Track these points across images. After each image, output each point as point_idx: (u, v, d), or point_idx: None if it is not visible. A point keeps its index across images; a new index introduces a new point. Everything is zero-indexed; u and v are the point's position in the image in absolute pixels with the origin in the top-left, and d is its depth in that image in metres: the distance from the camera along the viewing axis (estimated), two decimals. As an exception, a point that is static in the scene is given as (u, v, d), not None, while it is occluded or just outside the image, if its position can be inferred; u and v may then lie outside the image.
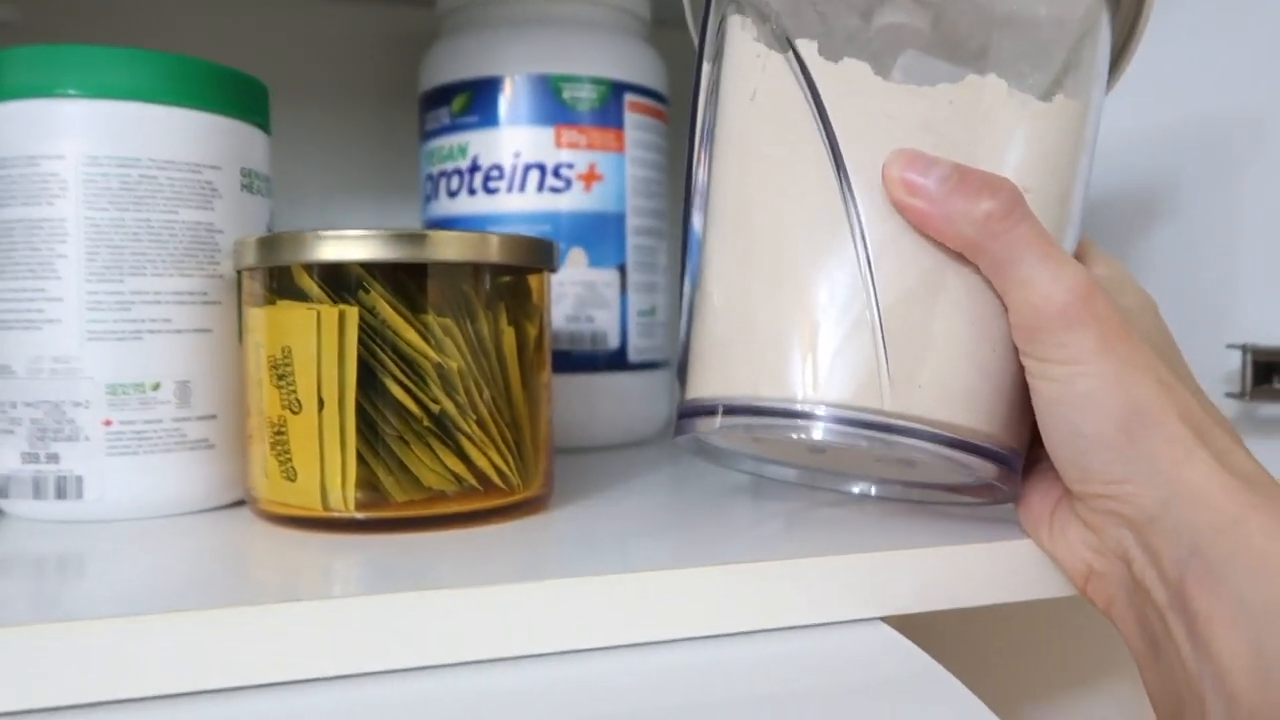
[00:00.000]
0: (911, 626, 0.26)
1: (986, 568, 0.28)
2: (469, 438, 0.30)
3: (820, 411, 0.26)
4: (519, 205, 0.46)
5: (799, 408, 0.27)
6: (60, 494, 0.30)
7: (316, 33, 0.57)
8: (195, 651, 0.21)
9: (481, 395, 0.30)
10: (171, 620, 0.21)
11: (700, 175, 0.31)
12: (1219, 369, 0.41)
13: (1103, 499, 0.25)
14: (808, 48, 0.28)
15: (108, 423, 0.30)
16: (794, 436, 0.27)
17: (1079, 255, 0.30)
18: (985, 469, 0.27)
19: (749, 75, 0.29)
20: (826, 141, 0.27)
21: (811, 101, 0.27)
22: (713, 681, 0.23)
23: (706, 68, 0.32)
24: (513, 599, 0.24)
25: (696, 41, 0.33)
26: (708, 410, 0.28)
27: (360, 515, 0.29)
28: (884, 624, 0.27)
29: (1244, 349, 0.38)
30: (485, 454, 0.30)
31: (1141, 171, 0.44)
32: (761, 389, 0.27)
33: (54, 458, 0.30)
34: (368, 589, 0.23)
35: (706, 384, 0.29)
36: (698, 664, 0.24)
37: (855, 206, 0.27)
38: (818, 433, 0.26)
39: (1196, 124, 0.42)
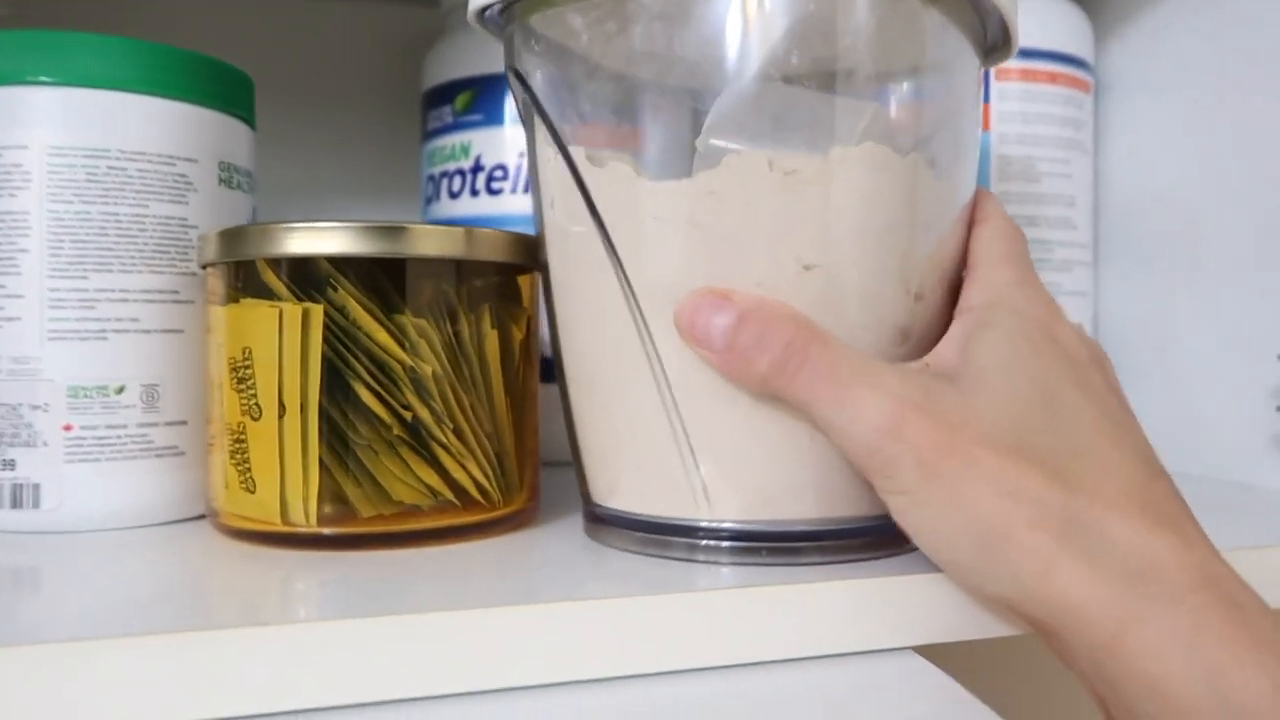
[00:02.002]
0: (944, 656, 0.24)
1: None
2: (445, 448, 0.27)
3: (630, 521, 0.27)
4: (523, 207, 0.44)
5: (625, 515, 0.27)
6: (15, 503, 0.28)
7: (316, 30, 0.56)
8: (147, 679, 0.19)
9: (460, 403, 0.28)
10: (121, 645, 0.19)
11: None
12: (1270, 380, 0.37)
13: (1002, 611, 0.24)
14: (578, 152, 0.26)
15: (68, 427, 0.29)
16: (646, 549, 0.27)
17: (965, 259, 0.27)
18: (846, 547, 0.26)
19: (548, 180, 0.28)
20: (611, 255, 0.26)
21: (589, 211, 0.26)
22: (723, 716, 0.21)
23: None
24: (492, 625, 0.21)
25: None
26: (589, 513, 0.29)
27: (325, 530, 0.26)
28: (915, 653, 0.24)
29: (1300, 362, 0.35)
30: (463, 466, 0.28)
31: (1188, 180, 0.41)
32: (611, 499, 0.28)
33: (9, 464, 0.28)
34: (329, 613, 0.21)
35: (596, 491, 0.29)
36: (705, 698, 0.22)
37: (647, 330, 0.25)
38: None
39: (1244, 129, 0.39)
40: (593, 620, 0.22)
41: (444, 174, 0.46)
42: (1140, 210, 0.44)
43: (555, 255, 0.28)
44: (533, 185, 0.29)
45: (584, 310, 0.27)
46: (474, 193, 0.45)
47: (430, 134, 0.47)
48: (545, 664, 0.22)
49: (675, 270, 0.25)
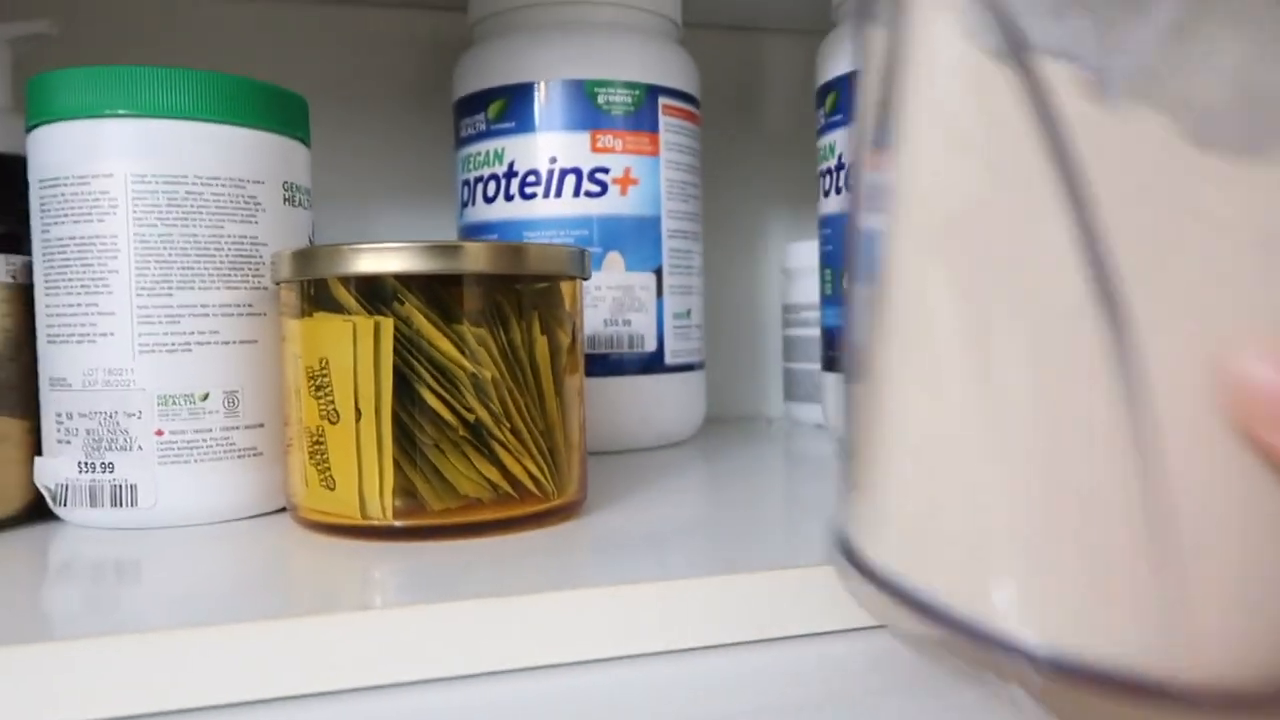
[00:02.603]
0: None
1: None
2: (504, 445, 0.30)
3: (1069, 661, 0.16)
4: (556, 210, 0.47)
5: (1035, 650, 0.16)
6: (116, 502, 0.31)
7: (349, 39, 0.58)
8: (238, 662, 0.22)
9: (515, 403, 0.30)
10: (220, 633, 0.22)
11: (872, 178, 0.19)
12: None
13: None
14: (1064, 75, 0.15)
15: (159, 432, 0.31)
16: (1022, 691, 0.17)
17: None
18: None
19: (951, 99, 0.17)
20: (1086, 253, 0.15)
21: (1062, 175, 0.15)
22: (755, 688, 0.24)
23: (880, 38, 0.18)
24: (549, 607, 0.24)
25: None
26: (896, 591, 0.18)
27: (398, 523, 0.29)
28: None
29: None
30: (520, 461, 0.31)
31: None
32: (974, 603, 0.17)
33: (109, 467, 0.31)
34: (405, 598, 0.24)
35: (884, 541, 0.19)
36: (740, 672, 0.24)
37: (1137, 371, 0.15)
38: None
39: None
40: (637, 602, 0.25)
41: (479, 179, 0.49)
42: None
43: (926, 230, 0.17)
44: (872, 139, 0.18)
45: (1010, 337, 0.16)
46: (508, 197, 0.48)
47: (464, 140, 0.50)
48: (598, 641, 0.24)
49: (1233, 307, 0.15)
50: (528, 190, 0.47)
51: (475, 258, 0.29)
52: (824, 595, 0.26)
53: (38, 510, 0.33)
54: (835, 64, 0.47)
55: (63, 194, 0.31)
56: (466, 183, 0.50)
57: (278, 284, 0.31)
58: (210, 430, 0.32)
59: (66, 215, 0.31)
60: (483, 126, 0.48)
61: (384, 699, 0.23)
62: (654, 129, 0.48)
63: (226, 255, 0.33)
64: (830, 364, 0.49)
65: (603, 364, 0.47)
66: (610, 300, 0.47)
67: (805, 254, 0.58)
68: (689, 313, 0.50)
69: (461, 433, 0.30)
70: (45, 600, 0.24)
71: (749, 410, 0.66)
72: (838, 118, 0.47)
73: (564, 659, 0.24)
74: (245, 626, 0.22)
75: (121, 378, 0.31)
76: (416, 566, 0.27)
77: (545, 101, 0.47)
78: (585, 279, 0.33)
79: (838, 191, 0.47)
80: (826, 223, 0.48)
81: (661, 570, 0.26)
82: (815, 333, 0.58)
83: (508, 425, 0.30)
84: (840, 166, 0.47)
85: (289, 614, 0.23)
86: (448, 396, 0.29)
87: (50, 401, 0.32)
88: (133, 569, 0.28)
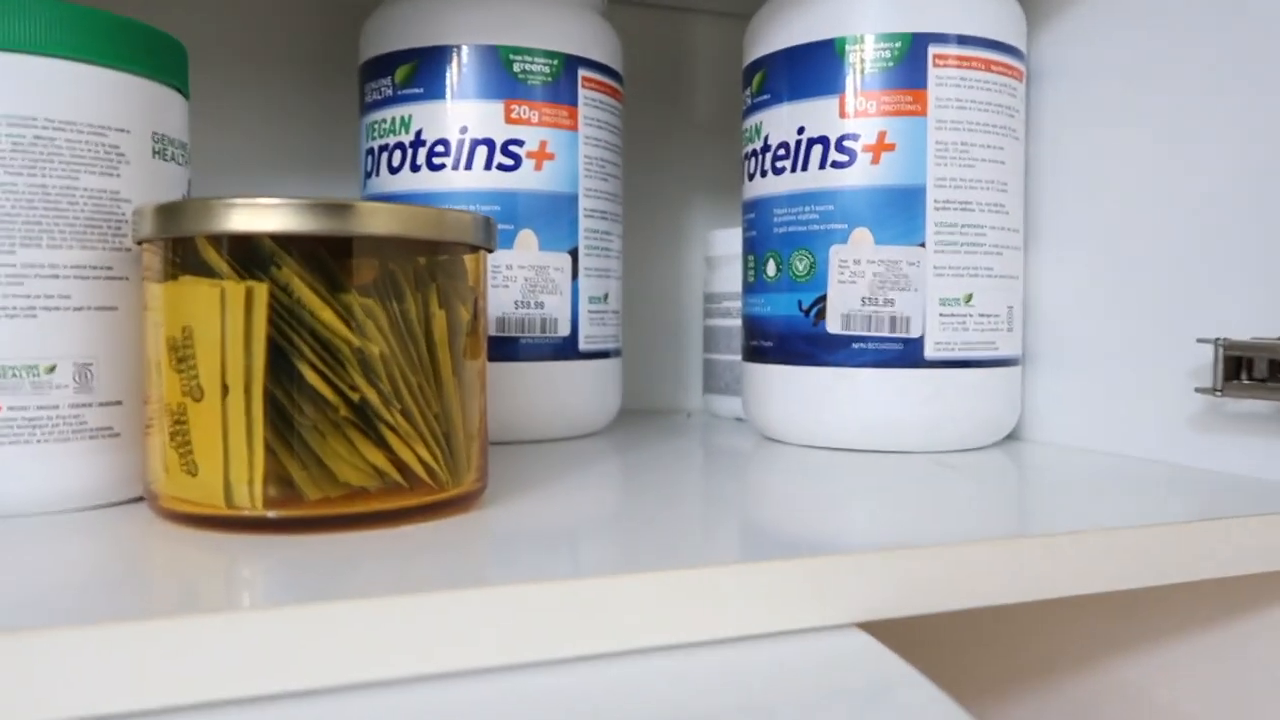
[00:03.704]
0: (887, 630, 0.25)
1: (972, 567, 0.26)
2: (393, 429, 0.27)
3: None
4: (466, 183, 0.44)
5: None
6: (-61, 486, 0.27)
7: (256, -2, 0.54)
8: (87, 671, 0.19)
9: (408, 383, 0.28)
10: (60, 634, 0.19)
11: None
12: (1190, 363, 0.39)
13: None
14: None
15: (-6, 408, 0.28)
16: None
17: None
18: None
19: None
20: None
21: None
22: (671, 695, 0.21)
23: None
24: (442, 608, 0.21)
25: None
26: None
27: (270, 514, 0.26)
28: (859, 630, 0.25)
29: (1215, 343, 0.37)
30: (411, 447, 0.28)
31: (1115, 167, 0.43)
32: None
33: (-68, 446, 0.27)
34: (277, 599, 0.21)
35: None
36: (651, 678, 0.22)
37: None
38: None
39: (1172, 117, 0.40)
40: (541, 603, 0.22)
41: (383, 148, 0.45)
42: (1068, 197, 0.45)
43: None
44: None
45: None
46: (414, 167, 0.44)
47: (369, 106, 0.46)
48: (496, 647, 0.22)
49: None
50: (436, 161, 0.44)
51: (367, 219, 0.26)
52: (753, 593, 0.24)
53: None
54: (764, 42, 0.45)
55: (-116, 132, 0.27)
56: (370, 151, 0.46)
57: (139, 243, 0.28)
58: (57, 407, 0.28)
59: (-112, 156, 0.27)
60: (389, 91, 0.45)
61: (249, 713, 0.20)
62: (573, 102, 0.45)
63: (81, 210, 0.29)
64: (752, 354, 0.47)
65: (512, 348, 0.44)
66: (522, 281, 0.45)
67: (728, 241, 0.56)
68: (606, 297, 0.48)
69: (344, 413, 0.27)
70: None
71: (667, 403, 0.64)
72: (764, 98, 0.45)
73: (451, 667, 0.22)
74: (88, 631, 0.19)
75: (-50, 344, 0.27)
76: (289, 562, 0.24)
77: (457, 67, 0.44)
78: (490, 250, 0.30)
79: (763, 175, 0.45)
80: (751, 207, 0.47)
81: (564, 568, 0.23)
82: (737, 323, 0.56)
83: (398, 407, 0.27)
84: (766, 148, 0.45)
85: (139, 616, 0.19)
86: (329, 373, 0.26)
87: None
88: (-46, 563, 0.24)
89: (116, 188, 0.30)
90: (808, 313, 0.43)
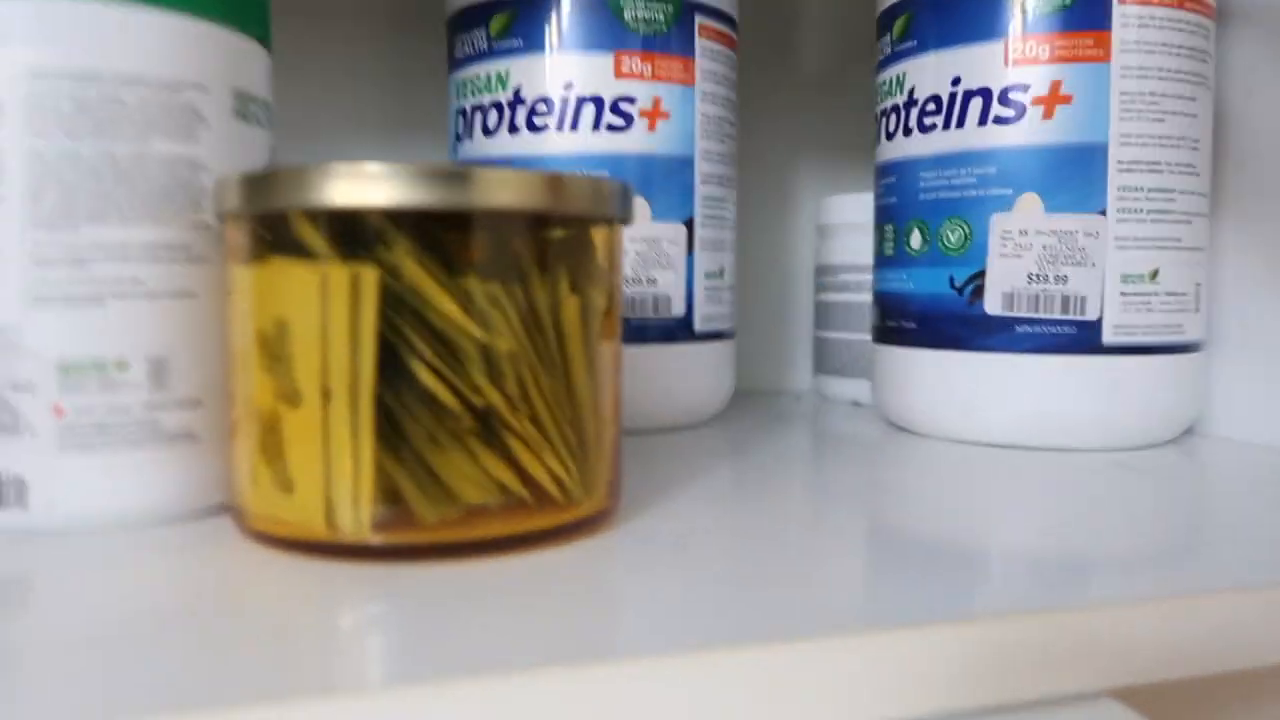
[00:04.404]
0: (1144, 698, 0.20)
1: (1246, 624, 0.21)
2: (521, 438, 0.23)
3: None
4: (570, 146, 0.39)
5: None
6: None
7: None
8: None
9: (537, 384, 0.23)
10: None
11: None
12: None
13: None
14: None
15: (59, 411, 0.24)
16: None
17: None
18: None
19: None
20: None
21: None
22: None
23: None
24: (613, 679, 0.17)
25: None
26: None
27: (376, 540, 0.22)
28: (1112, 700, 0.20)
29: None
30: (540, 458, 0.23)
31: (1330, 111, 0.36)
32: None
33: (-9, 455, 0.24)
34: (398, 670, 0.17)
35: None
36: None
37: None
38: None
39: None
40: (727, 672, 0.18)
41: (477, 108, 0.41)
42: (1262, 157, 0.39)
43: None
44: None
45: None
46: (513, 129, 0.40)
47: (459, 62, 0.42)
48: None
49: None
50: (537, 121, 0.39)
51: (491, 188, 0.22)
52: (981, 657, 0.19)
53: (-94, 507, 0.26)
54: (908, -20, 0.39)
55: (-70, 89, 0.23)
56: (462, 112, 0.42)
57: (222, 219, 0.24)
58: (129, 409, 0.24)
59: (-65, 118, 0.23)
60: (483, 45, 0.40)
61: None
62: (689, 53, 0.40)
63: (154, 180, 0.25)
64: (886, 335, 0.41)
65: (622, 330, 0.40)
66: (632, 255, 0.40)
67: (846, 209, 0.51)
68: (721, 272, 0.43)
69: (466, 422, 0.22)
70: None
71: (770, 383, 0.59)
72: (909, 45, 0.39)
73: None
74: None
75: (8, 338, 0.23)
76: (404, 607, 0.20)
77: (561, 16, 0.39)
78: (627, 223, 0.26)
79: (905, 133, 0.40)
80: (889, 170, 0.41)
81: (759, 620, 0.19)
82: (857, 298, 0.51)
83: (526, 412, 0.23)
84: (911, 103, 0.39)
85: (199, 704, 0.15)
86: (449, 374, 0.22)
87: (-84, 367, 0.24)
88: (18, 594, 0.20)
89: (194, 153, 0.25)
90: (961, 290, 0.38)
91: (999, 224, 0.37)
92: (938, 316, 0.39)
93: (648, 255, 0.40)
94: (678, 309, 0.41)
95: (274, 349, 0.22)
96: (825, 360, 0.53)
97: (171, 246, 0.25)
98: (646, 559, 0.23)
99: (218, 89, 0.26)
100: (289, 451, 0.22)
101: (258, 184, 0.22)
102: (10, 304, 0.23)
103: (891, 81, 0.41)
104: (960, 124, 0.37)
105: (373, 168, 0.21)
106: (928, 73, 0.38)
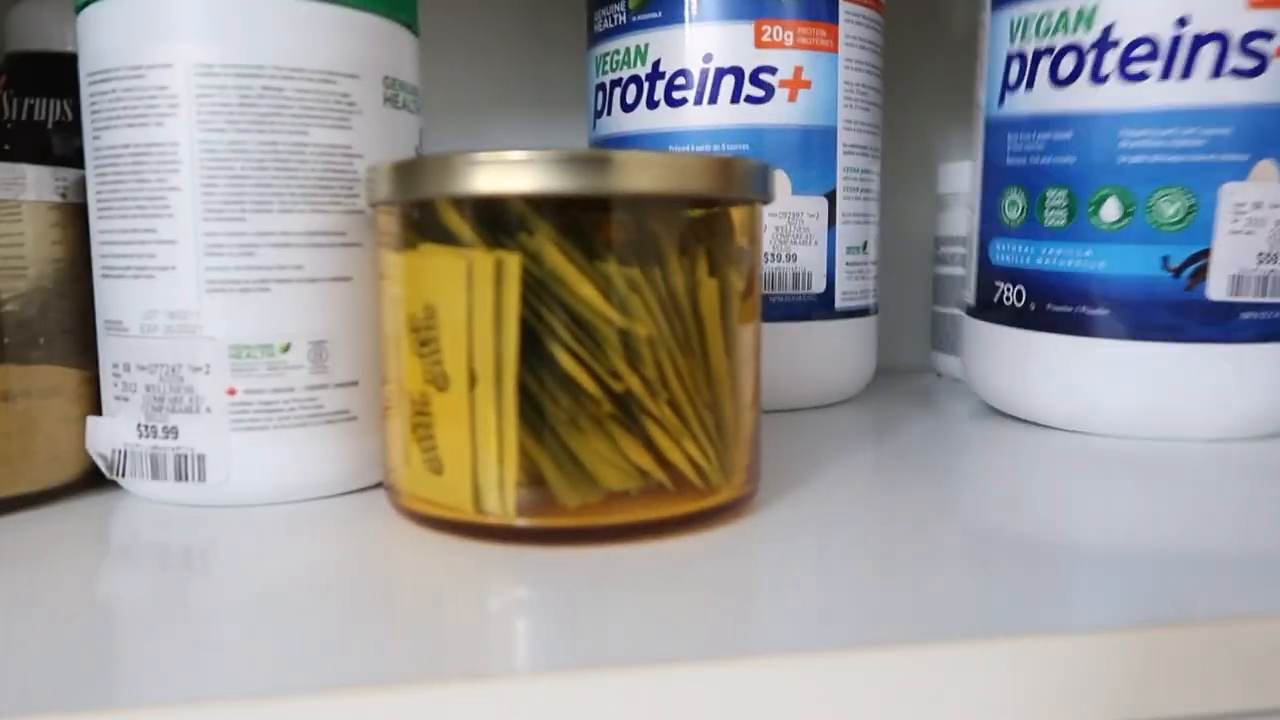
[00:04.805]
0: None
1: None
2: (659, 423, 0.23)
3: None
4: (710, 120, 0.38)
5: None
6: (180, 475, 0.25)
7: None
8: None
9: (676, 368, 0.23)
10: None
11: None
12: None
13: None
14: None
15: (231, 391, 0.25)
16: None
17: None
18: None
19: None
20: None
21: None
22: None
23: None
24: (770, 671, 0.17)
25: None
26: None
27: (521, 523, 0.22)
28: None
29: None
30: (679, 444, 0.23)
31: None
32: None
33: (172, 432, 0.25)
34: (549, 659, 0.17)
35: None
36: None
37: None
38: None
39: None
40: (894, 670, 0.17)
41: (616, 82, 0.41)
42: None
43: None
44: None
45: None
46: (652, 104, 0.39)
47: (599, 36, 0.42)
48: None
49: None
50: (676, 95, 0.39)
51: (632, 173, 0.22)
52: (1139, 669, 0.18)
53: (99, 474, 0.28)
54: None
55: (114, 90, 0.25)
56: (601, 87, 0.42)
57: (374, 206, 0.25)
58: (293, 389, 0.26)
59: (118, 117, 0.25)
60: (622, 18, 0.40)
61: (505, 798, 0.16)
62: (833, 19, 0.39)
63: (312, 169, 0.26)
64: (1049, 321, 0.38)
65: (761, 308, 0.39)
66: (772, 230, 0.39)
67: (967, 176, 0.48)
68: (864, 246, 0.42)
69: (606, 406, 0.22)
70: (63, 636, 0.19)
71: (890, 360, 0.57)
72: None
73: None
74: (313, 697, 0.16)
75: (185, 322, 0.25)
76: (548, 593, 0.20)
77: (699, -15, 0.38)
78: (767, 202, 0.25)
79: (1097, 80, 0.36)
80: (1067, 124, 0.38)
81: (910, 619, 0.18)
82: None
83: (665, 396, 0.23)
84: (1107, 44, 0.35)
85: (370, 681, 0.16)
86: (589, 358, 0.22)
87: (106, 349, 0.26)
88: (193, 566, 0.22)
89: (348, 141, 0.26)
90: (1178, 272, 0.34)
91: (1230, 195, 0.33)
92: (1142, 303, 0.34)
93: (787, 230, 0.39)
94: (818, 285, 0.40)
95: (423, 333, 0.23)
96: (943, 336, 0.50)
97: (328, 233, 0.26)
98: (785, 548, 0.23)
99: (370, 77, 0.27)
100: (438, 434, 0.23)
101: (406, 173, 0.23)
102: (189, 292, 0.25)
103: (1076, 15, 0.37)
104: (1186, 74, 0.33)
105: (515, 155, 0.21)
106: (1138, 7, 0.35)
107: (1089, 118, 0.36)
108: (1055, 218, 0.38)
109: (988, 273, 0.39)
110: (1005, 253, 0.38)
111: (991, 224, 0.38)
